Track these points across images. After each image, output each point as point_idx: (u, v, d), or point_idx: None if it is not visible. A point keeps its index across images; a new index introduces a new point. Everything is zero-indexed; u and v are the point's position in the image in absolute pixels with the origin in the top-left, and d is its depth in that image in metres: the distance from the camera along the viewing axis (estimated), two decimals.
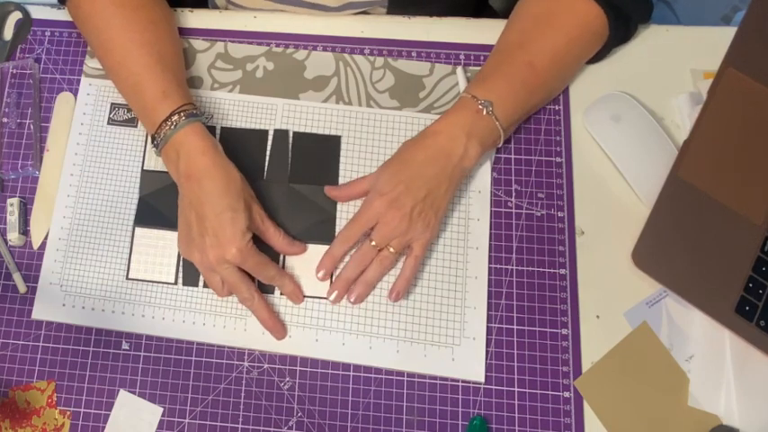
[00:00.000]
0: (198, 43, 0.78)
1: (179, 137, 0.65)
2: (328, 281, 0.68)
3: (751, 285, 0.63)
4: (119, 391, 0.66)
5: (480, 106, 0.65)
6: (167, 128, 0.65)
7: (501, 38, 0.71)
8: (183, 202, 0.66)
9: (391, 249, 0.65)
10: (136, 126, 0.75)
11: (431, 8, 0.78)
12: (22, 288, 0.70)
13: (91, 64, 0.77)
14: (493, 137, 0.66)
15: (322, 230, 0.68)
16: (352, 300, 0.66)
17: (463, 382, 0.65)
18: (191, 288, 0.69)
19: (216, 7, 0.82)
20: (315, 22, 0.78)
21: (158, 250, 0.70)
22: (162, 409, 0.66)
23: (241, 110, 0.75)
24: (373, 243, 0.65)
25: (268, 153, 0.72)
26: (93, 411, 0.66)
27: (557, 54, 0.68)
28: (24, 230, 0.72)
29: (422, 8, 0.77)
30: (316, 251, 0.68)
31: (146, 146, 0.74)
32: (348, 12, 0.77)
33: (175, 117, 0.65)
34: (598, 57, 0.72)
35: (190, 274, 0.69)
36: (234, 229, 0.62)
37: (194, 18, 0.79)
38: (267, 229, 0.66)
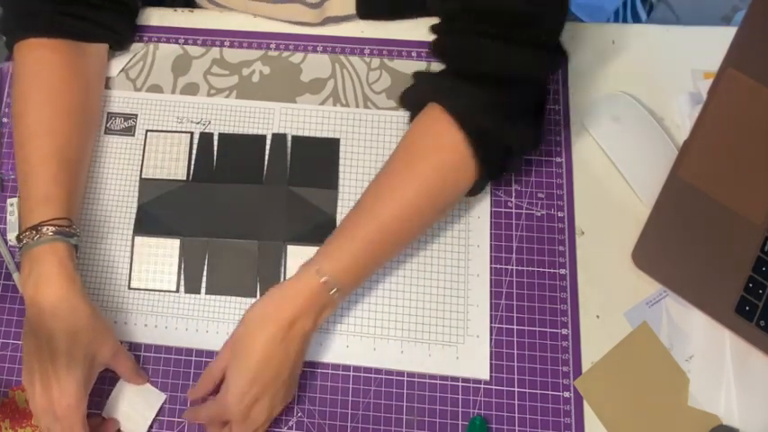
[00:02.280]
0: (193, 49, 0.77)
1: (37, 253, 0.61)
2: None
3: (751, 285, 0.63)
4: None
5: (331, 291, 0.59)
6: (30, 237, 0.61)
7: (367, 188, 0.62)
8: (26, 326, 0.61)
9: None
10: (133, 135, 0.75)
11: (400, 14, 0.77)
12: (21, 288, 0.70)
13: None
14: (332, 308, 0.61)
15: (322, 233, 0.68)
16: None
17: (463, 381, 0.65)
18: (193, 295, 0.69)
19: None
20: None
21: (159, 258, 0.70)
22: (165, 396, 0.66)
23: (238, 115, 0.75)
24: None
25: (267, 158, 0.72)
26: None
27: (410, 211, 0.60)
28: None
29: (391, 16, 0.76)
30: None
31: (144, 154, 0.74)
32: (329, 25, 0.77)
33: (44, 229, 0.61)
34: (472, 193, 0.64)
35: (192, 282, 0.69)
36: (68, 379, 0.58)
37: (194, 18, 0.79)
38: (117, 362, 0.63)
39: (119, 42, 0.76)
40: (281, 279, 0.69)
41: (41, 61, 0.67)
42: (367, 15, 0.76)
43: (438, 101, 0.60)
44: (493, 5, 0.57)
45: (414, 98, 0.64)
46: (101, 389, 0.66)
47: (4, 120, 0.76)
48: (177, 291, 0.69)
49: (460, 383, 0.65)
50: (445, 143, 0.59)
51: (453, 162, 0.60)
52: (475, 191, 0.64)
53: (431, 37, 0.63)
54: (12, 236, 0.71)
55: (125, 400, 0.65)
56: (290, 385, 0.61)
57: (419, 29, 0.76)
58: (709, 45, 0.72)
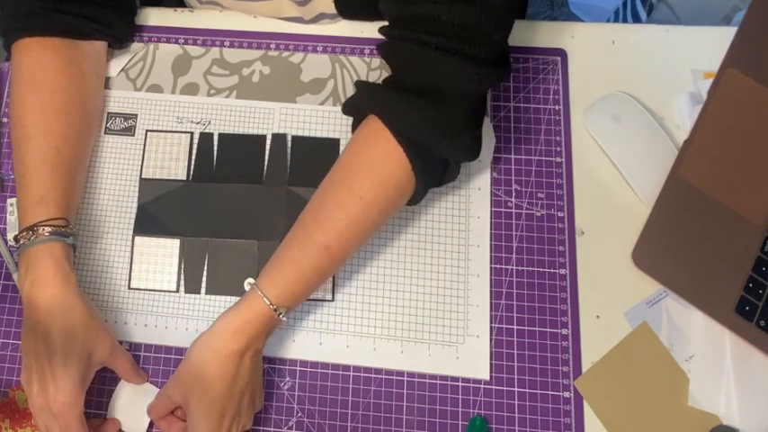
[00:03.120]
0: (193, 49, 0.77)
1: (33, 253, 0.61)
2: (330, 288, 0.68)
3: (751, 285, 0.63)
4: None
5: (277, 314, 0.58)
6: (26, 237, 0.61)
7: (308, 204, 0.62)
8: (25, 326, 0.61)
9: None
10: (133, 135, 0.75)
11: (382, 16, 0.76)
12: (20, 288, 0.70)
13: None
14: (277, 326, 0.61)
15: None
16: None
17: (463, 381, 0.65)
18: (193, 295, 0.69)
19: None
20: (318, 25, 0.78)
21: (159, 258, 0.70)
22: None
23: (238, 115, 0.75)
24: None
25: (266, 158, 0.72)
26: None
27: (351, 226, 0.59)
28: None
29: (373, 16, 0.75)
30: None
31: (144, 154, 0.74)
32: (323, 22, 0.77)
33: (40, 229, 0.61)
34: (411, 203, 0.64)
35: (192, 282, 0.69)
36: (64, 377, 0.58)
37: (194, 18, 0.79)
38: (115, 360, 0.63)
39: (117, 40, 0.76)
40: None
41: (38, 61, 0.67)
42: (346, 14, 0.76)
43: (377, 113, 0.59)
44: (429, 12, 0.56)
45: (355, 108, 0.64)
46: (101, 389, 0.66)
47: (4, 120, 0.76)
48: (177, 291, 0.69)
49: (460, 383, 0.65)
50: (385, 157, 0.59)
51: (394, 176, 0.59)
52: (414, 201, 0.63)
53: (380, 38, 0.61)
54: (12, 236, 0.71)
55: (125, 400, 0.65)
56: (254, 400, 0.61)
57: None
58: (709, 45, 0.72)
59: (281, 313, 0.59)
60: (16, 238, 0.63)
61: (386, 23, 0.61)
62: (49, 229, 0.62)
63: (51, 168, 0.64)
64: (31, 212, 0.62)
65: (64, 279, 0.61)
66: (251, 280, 0.67)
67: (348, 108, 0.65)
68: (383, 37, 0.61)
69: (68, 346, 0.59)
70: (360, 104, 0.63)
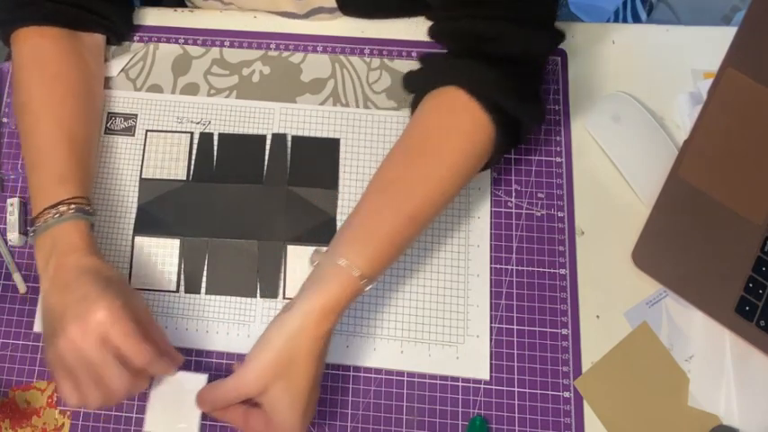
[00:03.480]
0: (193, 49, 0.77)
1: (59, 230, 0.60)
2: None
3: (751, 285, 0.63)
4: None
5: (365, 286, 0.56)
6: (50, 215, 0.60)
7: (383, 172, 0.61)
8: (44, 306, 0.59)
9: None
10: (133, 135, 0.75)
11: (384, 13, 0.77)
12: (21, 288, 0.70)
13: None
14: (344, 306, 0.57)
15: (322, 233, 0.68)
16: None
17: (463, 381, 0.65)
18: (193, 295, 0.69)
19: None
20: (315, 21, 0.78)
21: (159, 258, 0.70)
22: (206, 376, 0.61)
23: (238, 115, 0.74)
24: None
25: (266, 158, 0.72)
26: (93, 411, 0.66)
27: (440, 196, 0.59)
28: (24, 230, 0.72)
29: (374, 12, 0.76)
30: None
31: (144, 154, 0.74)
32: (315, 17, 0.77)
33: (63, 207, 0.60)
34: (485, 168, 0.65)
35: (192, 282, 0.69)
36: (105, 297, 0.54)
37: (194, 18, 0.79)
38: (149, 325, 0.59)
39: (115, 35, 0.76)
40: (281, 279, 0.69)
41: (39, 48, 0.68)
42: (347, 10, 0.76)
43: (453, 82, 0.60)
44: None
45: (421, 81, 0.64)
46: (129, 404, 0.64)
47: (4, 120, 0.76)
48: (177, 291, 0.69)
49: (460, 383, 0.65)
50: (472, 126, 0.60)
51: (475, 141, 0.60)
52: (489, 165, 0.65)
53: (428, 23, 0.63)
54: (12, 236, 0.71)
55: (163, 404, 0.61)
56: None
57: (419, 29, 0.77)
58: (709, 45, 0.72)
59: (363, 281, 0.56)
60: (33, 221, 0.61)
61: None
62: (73, 206, 0.61)
63: (68, 148, 0.64)
64: (53, 192, 0.61)
65: (95, 251, 0.60)
66: (320, 250, 0.63)
67: (412, 82, 0.65)
68: (433, 21, 0.64)
69: (102, 285, 0.56)
70: (428, 76, 0.63)
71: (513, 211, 0.70)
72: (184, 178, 0.72)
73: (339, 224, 0.70)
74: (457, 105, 0.60)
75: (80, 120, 0.67)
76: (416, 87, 0.65)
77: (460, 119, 0.60)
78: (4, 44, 0.71)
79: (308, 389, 0.55)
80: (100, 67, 0.74)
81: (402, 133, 0.62)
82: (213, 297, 0.69)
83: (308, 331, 0.54)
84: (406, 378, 0.65)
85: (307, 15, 0.77)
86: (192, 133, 0.74)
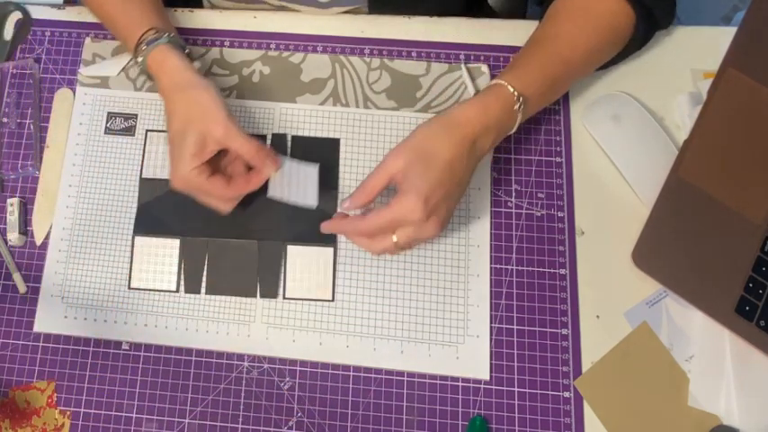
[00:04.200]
0: (193, 49, 0.77)
1: (162, 51, 0.66)
2: (330, 288, 0.68)
3: (751, 285, 0.63)
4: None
5: (517, 104, 0.61)
6: (154, 36, 0.67)
7: (538, 29, 0.68)
8: (166, 112, 0.66)
9: (406, 249, 0.62)
10: (133, 135, 0.75)
11: (414, 9, 0.77)
12: (21, 288, 0.70)
13: (85, 72, 0.77)
14: (507, 132, 0.63)
15: (322, 233, 0.68)
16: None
17: (463, 381, 0.65)
18: (193, 295, 0.69)
19: (211, 6, 0.82)
20: (315, 21, 0.78)
21: (159, 258, 0.70)
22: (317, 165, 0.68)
23: (238, 115, 0.74)
24: (395, 239, 0.60)
25: None
26: (93, 411, 0.66)
27: (590, 52, 0.66)
28: (24, 230, 0.72)
29: (402, 8, 0.77)
30: (316, 253, 0.68)
31: (144, 154, 0.74)
32: (334, 9, 0.77)
33: (160, 34, 0.67)
34: (612, 62, 0.71)
35: (192, 282, 0.69)
36: (180, 154, 0.62)
37: (194, 18, 0.79)
38: (232, 142, 0.63)
39: None
40: (281, 279, 0.69)
41: None
42: (377, 7, 0.76)
43: None
44: None
45: None
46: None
47: (4, 120, 0.76)
48: (177, 291, 0.69)
49: (460, 383, 0.65)
50: (611, 3, 0.66)
51: (620, 21, 0.67)
52: (619, 58, 0.71)
53: (428, 23, 0.68)
54: (12, 236, 0.71)
55: (283, 175, 0.66)
56: (458, 201, 0.62)
57: (419, 29, 0.77)
58: (709, 45, 0.72)
59: (520, 105, 0.61)
60: (138, 43, 0.68)
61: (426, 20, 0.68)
62: (171, 34, 0.68)
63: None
64: (147, 20, 0.68)
65: (191, 69, 0.66)
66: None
67: None
68: None
69: (184, 127, 0.62)
70: None
71: (513, 211, 0.70)
72: None
73: None
74: None
75: None
76: None
77: (605, 2, 0.66)
78: None
79: (438, 180, 0.58)
80: None
81: (543, 18, 0.69)
82: (213, 297, 0.69)
83: (454, 129, 0.59)
84: (406, 378, 0.65)
85: (327, 6, 0.77)
86: None
